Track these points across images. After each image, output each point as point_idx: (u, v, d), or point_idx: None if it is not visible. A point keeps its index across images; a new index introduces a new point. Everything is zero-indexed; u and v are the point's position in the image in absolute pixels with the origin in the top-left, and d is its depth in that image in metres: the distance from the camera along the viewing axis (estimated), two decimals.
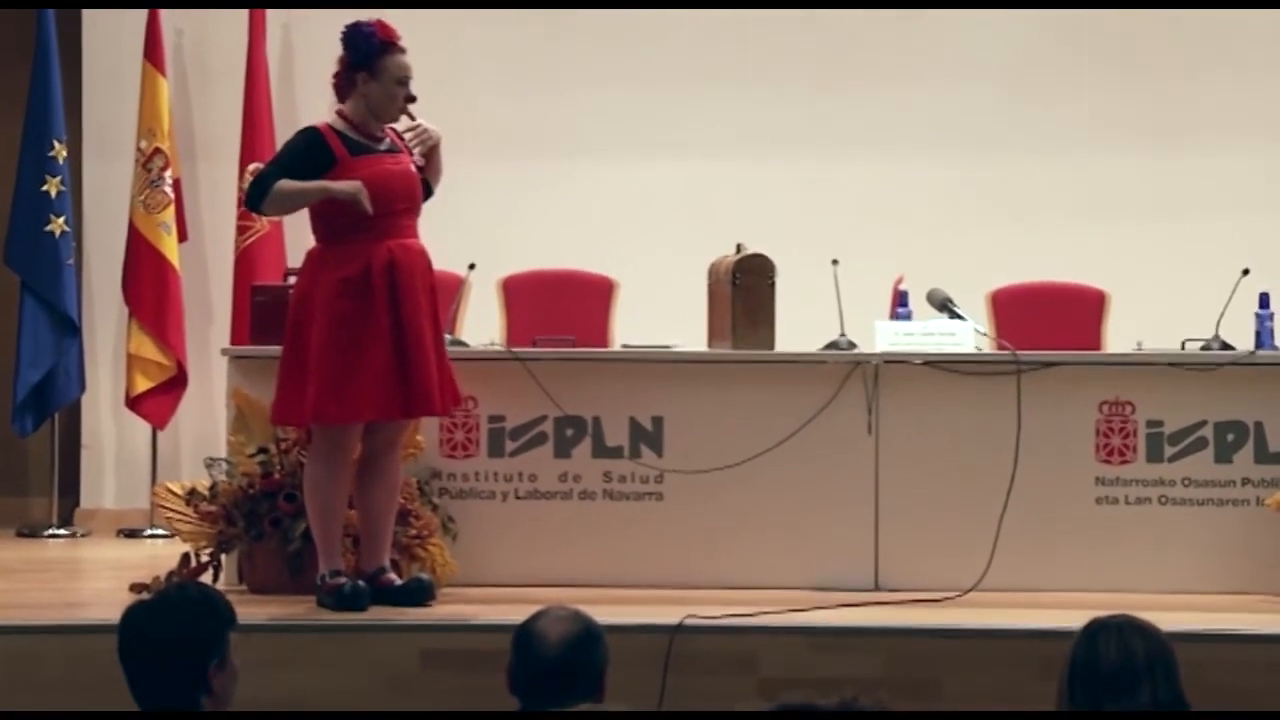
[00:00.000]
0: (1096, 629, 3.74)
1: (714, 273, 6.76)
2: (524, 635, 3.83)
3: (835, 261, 6.65)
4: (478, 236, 7.87)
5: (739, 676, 5.33)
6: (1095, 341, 7.48)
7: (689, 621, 5.57)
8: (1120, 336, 7.37)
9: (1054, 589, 6.28)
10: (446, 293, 7.27)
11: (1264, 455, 6.48)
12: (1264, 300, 6.70)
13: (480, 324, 7.46)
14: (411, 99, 5.97)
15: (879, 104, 8.48)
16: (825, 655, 5.52)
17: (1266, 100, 8.51)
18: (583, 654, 3.79)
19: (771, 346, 6.60)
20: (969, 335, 6.66)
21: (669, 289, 7.57)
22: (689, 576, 6.38)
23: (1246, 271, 6.61)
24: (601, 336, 7.58)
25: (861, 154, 8.49)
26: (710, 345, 6.75)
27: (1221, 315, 6.62)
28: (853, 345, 6.61)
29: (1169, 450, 6.52)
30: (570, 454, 6.55)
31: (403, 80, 5.92)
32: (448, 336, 6.81)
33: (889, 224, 8.27)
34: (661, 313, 7.41)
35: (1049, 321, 7.48)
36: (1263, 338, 6.66)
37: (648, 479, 6.52)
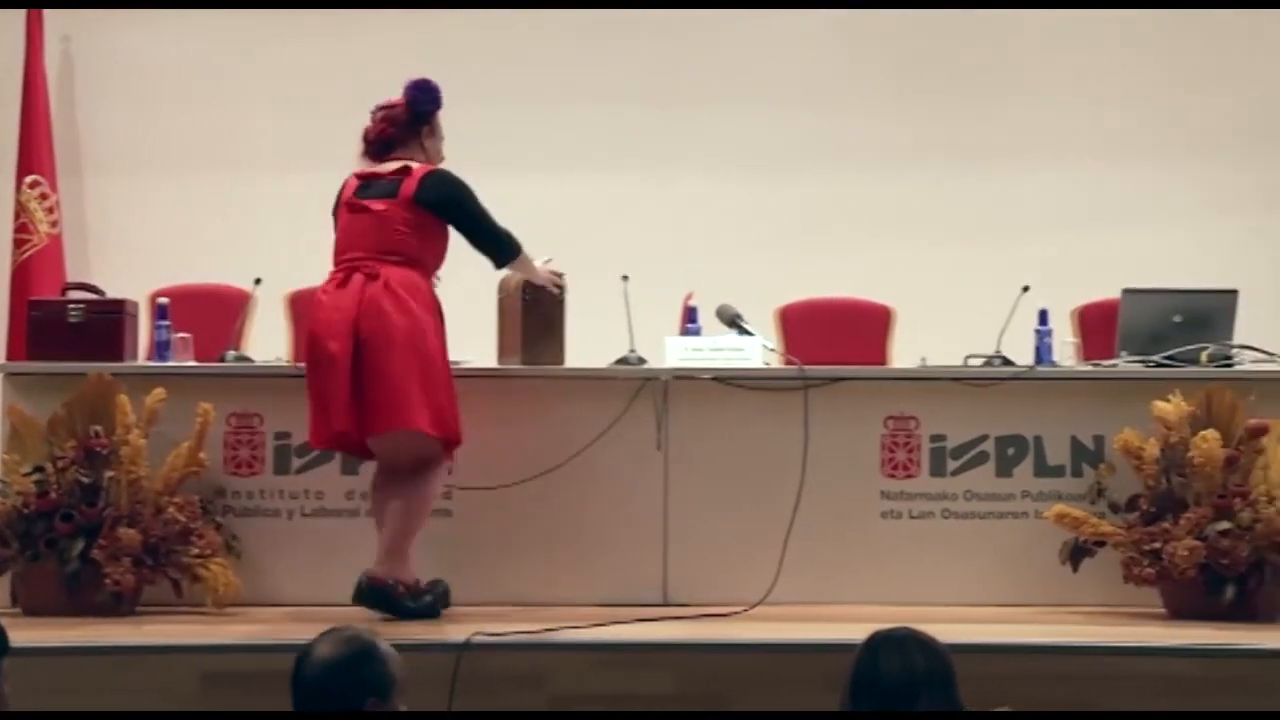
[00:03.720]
0: (878, 642, 3.76)
1: (504, 288, 6.72)
2: (299, 656, 3.76)
3: (625, 277, 6.66)
4: (265, 252, 7.76)
5: (527, 694, 5.28)
6: (881, 357, 7.57)
7: (477, 639, 5.49)
8: (905, 352, 7.46)
9: (840, 602, 6.32)
10: (233, 308, 7.19)
11: (1043, 469, 6.59)
12: (1043, 317, 6.81)
13: (266, 340, 7.37)
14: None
15: (675, 122, 8.54)
16: (614, 671, 5.48)
17: (1050, 127, 8.71)
18: (344, 676, 3.71)
19: (561, 362, 6.57)
20: (757, 351, 6.69)
21: (459, 304, 7.48)
22: (478, 593, 6.33)
23: (1026, 289, 6.72)
24: None
25: (652, 171, 8.54)
26: (500, 361, 6.70)
27: (1002, 332, 6.71)
28: (642, 361, 6.62)
29: (951, 464, 6.61)
30: (358, 471, 6.47)
31: (444, 138, 6.33)
32: (232, 353, 6.74)
33: (680, 240, 8.33)
34: (451, 328, 7.33)
35: (836, 337, 7.56)
36: (1042, 353, 6.78)
37: (440, 495, 6.43)
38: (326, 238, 8.43)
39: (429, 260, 6.17)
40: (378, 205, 6.13)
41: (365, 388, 5.95)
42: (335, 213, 6.32)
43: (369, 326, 5.96)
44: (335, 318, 6.00)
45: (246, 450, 6.49)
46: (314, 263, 8.03)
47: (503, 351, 6.65)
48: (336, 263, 6.18)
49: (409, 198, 6.11)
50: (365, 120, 8.57)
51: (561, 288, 6.49)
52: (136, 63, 8.82)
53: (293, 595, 6.30)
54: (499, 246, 6.24)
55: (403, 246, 6.09)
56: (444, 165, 6.28)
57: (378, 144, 6.24)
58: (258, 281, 6.98)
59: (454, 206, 6.15)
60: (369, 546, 6.37)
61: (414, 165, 6.17)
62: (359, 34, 8.75)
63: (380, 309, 5.97)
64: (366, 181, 6.21)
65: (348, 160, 8.61)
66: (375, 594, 5.97)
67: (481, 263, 6.82)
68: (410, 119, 6.24)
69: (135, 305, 6.86)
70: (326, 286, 6.14)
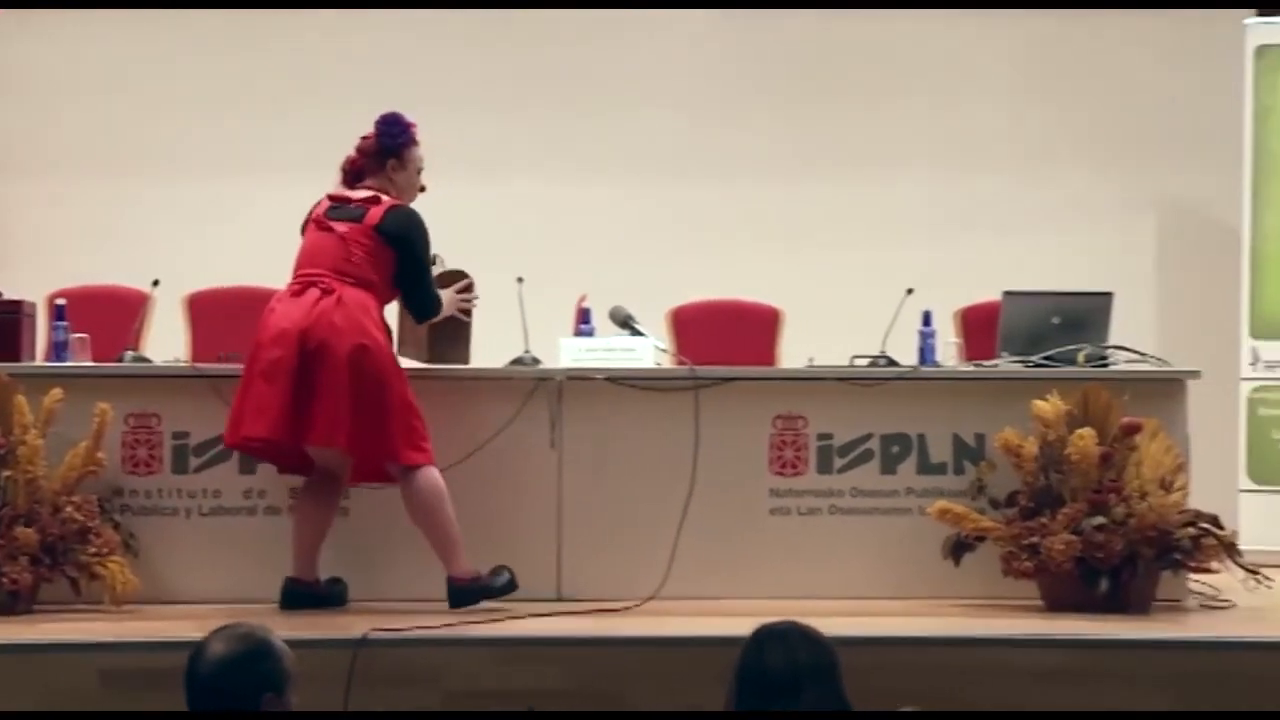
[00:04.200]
0: (763, 636, 3.80)
1: None
2: (193, 654, 3.78)
3: (520, 279, 6.69)
4: (162, 254, 7.75)
5: (423, 690, 5.29)
6: (770, 358, 7.63)
7: (373, 635, 5.52)
8: (793, 353, 7.53)
9: (730, 596, 6.36)
10: (131, 309, 7.18)
11: (926, 466, 6.66)
12: (927, 319, 6.89)
13: (164, 340, 7.34)
14: (422, 188, 6.39)
15: (568, 128, 8.55)
16: (509, 666, 5.51)
17: (929, 135, 8.81)
18: (240, 674, 3.73)
19: (468, 361, 6.63)
20: (649, 351, 6.73)
21: None
22: (374, 590, 6.36)
23: (910, 291, 6.77)
24: None
25: (546, 176, 8.58)
26: (400, 353, 6.69)
27: (887, 333, 6.79)
28: (537, 361, 6.67)
29: (838, 462, 6.66)
30: (255, 470, 6.47)
31: (420, 169, 6.37)
32: (130, 353, 6.74)
33: (574, 243, 8.35)
34: None
35: (726, 338, 7.61)
36: (925, 354, 6.86)
37: None
38: (224, 240, 8.50)
39: (383, 287, 6.26)
40: (341, 227, 6.24)
41: (315, 398, 6.03)
42: (303, 228, 6.38)
43: (317, 338, 6.03)
44: (284, 325, 6.08)
45: (144, 450, 6.48)
46: (211, 265, 8.07)
47: (403, 350, 6.67)
48: (295, 276, 6.26)
49: (371, 225, 6.22)
50: (260, 126, 8.66)
51: (469, 312, 6.57)
52: (33, 65, 8.77)
53: (191, 593, 6.28)
54: (426, 303, 6.37)
55: (359, 269, 6.19)
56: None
57: (350, 172, 6.37)
58: (155, 283, 6.96)
59: (406, 244, 6.25)
60: (266, 544, 6.40)
61: (385, 197, 6.28)
62: (258, 42, 8.75)
63: (330, 322, 6.06)
64: (337, 204, 6.32)
65: (245, 165, 8.70)
66: (463, 593, 6.13)
67: None
68: (378, 150, 6.34)
69: (33, 306, 6.84)
70: (281, 295, 6.23)
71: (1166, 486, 6.34)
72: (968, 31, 8.90)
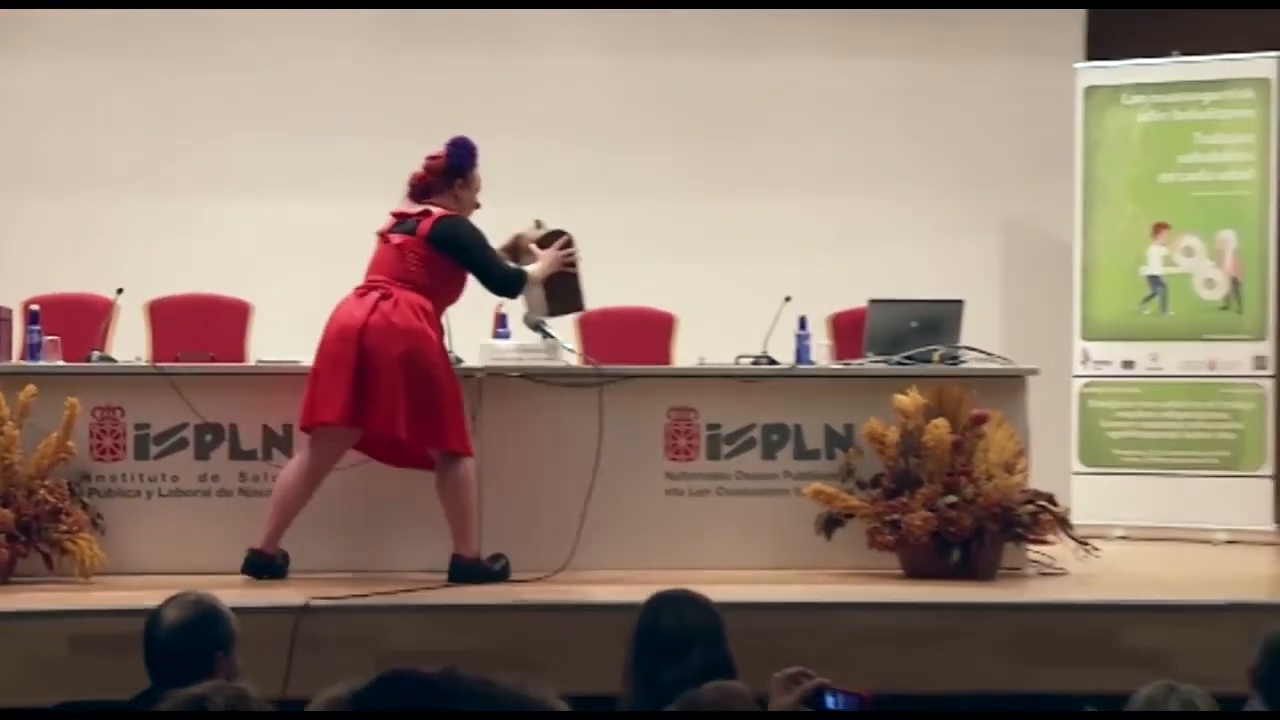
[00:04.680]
0: (658, 602, 3.79)
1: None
2: (149, 620, 3.73)
3: None
4: (126, 265, 7.65)
5: (359, 653, 5.22)
6: (666, 357, 7.62)
7: (314, 603, 5.48)
8: (686, 353, 7.53)
9: (631, 568, 6.34)
10: (98, 314, 7.08)
11: (802, 452, 6.66)
12: (803, 323, 6.90)
13: (127, 342, 7.26)
14: (478, 205, 6.35)
15: (488, 157, 8.47)
16: (437, 631, 5.48)
17: (804, 163, 8.83)
18: (194, 637, 3.69)
19: (583, 307, 6.71)
20: (559, 352, 6.71)
21: (299, 311, 7.44)
22: (316, 561, 6.29)
23: (788, 299, 6.77)
24: (238, 352, 7.43)
25: None
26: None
27: (768, 336, 6.79)
28: (460, 361, 6.61)
29: (725, 449, 6.66)
30: (209, 456, 6.42)
31: (479, 188, 6.33)
32: (97, 353, 6.65)
33: None
34: (293, 331, 7.28)
35: (627, 341, 7.59)
36: (801, 354, 6.87)
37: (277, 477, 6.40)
38: (180, 252, 8.40)
39: (438, 290, 6.23)
40: (398, 239, 6.23)
41: (366, 383, 6.03)
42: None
43: (375, 335, 6.04)
44: (347, 324, 6.10)
45: (109, 439, 6.39)
46: (169, 274, 7.98)
47: (530, 311, 6.60)
48: (365, 282, 6.26)
49: (423, 236, 6.20)
50: (211, 149, 8.57)
51: (574, 264, 6.53)
52: (6, 88, 8.64)
53: (152, 565, 6.20)
54: (504, 283, 6.33)
55: (415, 275, 6.18)
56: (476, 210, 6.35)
57: (418, 188, 6.31)
58: (120, 291, 6.88)
59: (458, 248, 6.22)
60: (218, 522, 6.35)
61: (435, 210, 6.24)
62: (202, 70, 8.66)
63: (388, 322, 6.06)
64: (398, 219, 6.30)
65: (200, 183, 8.59)
66: (466, 570, 6.12)
67: (318, 276, 6.83)
68: (447, 170, 6.29)
69: (9, 311, 6.76)
70: (348, 297, 6.23)
71: (1009, 469, 6.38)
72: (837, 73, 8.93)
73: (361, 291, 6.21)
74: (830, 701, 3.12)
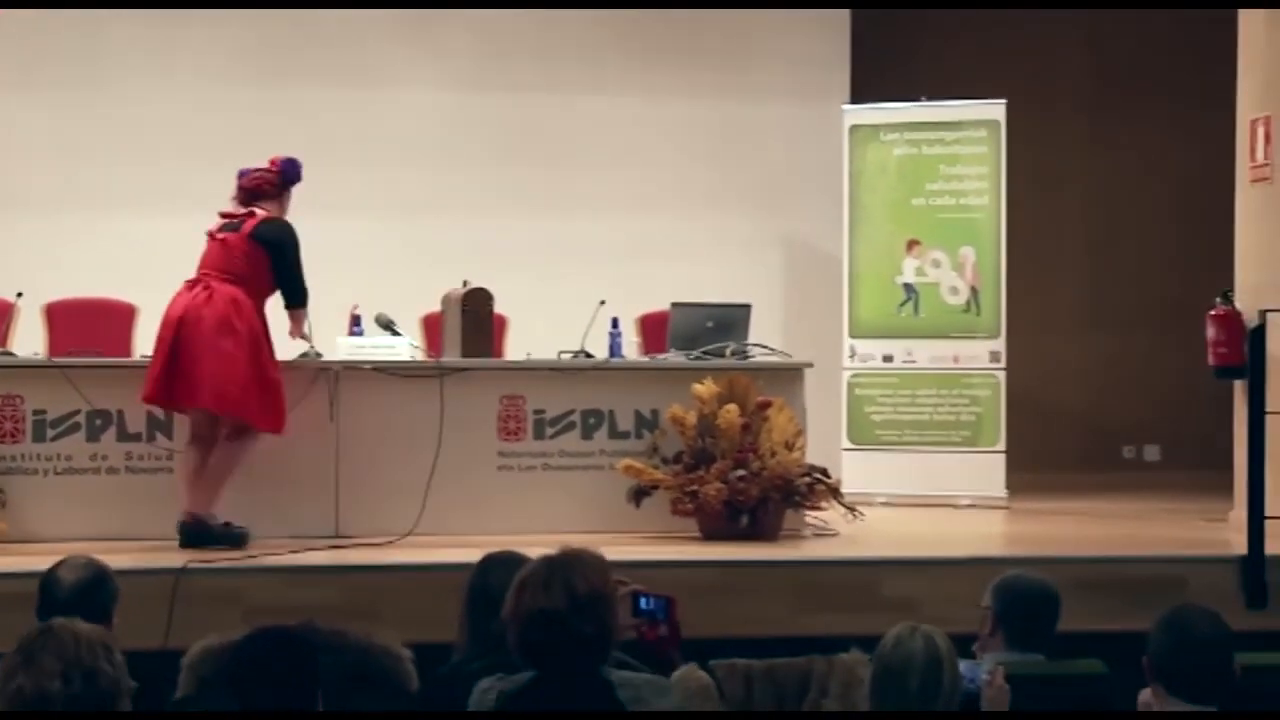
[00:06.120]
0: (488, 562, 3.79)
1: (446, 301, 6.70)
2: (46, 579, 3.65)
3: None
4: (26, 271, 7.43)
5: (228, 609, 5.15)
6: (499, 352, 7.57)
7: (191, 565, 5.40)
8: (515, 349, 7.52)
9: (467, 533, 6.25)
10: (1, 315, 6.88)
11: (615, 433, 6.67)
12: (615, 323, 6.93)
13: (27, 339, 7.11)
14: None
15: (341, 178, 8.37)
16: (296, 589, 5.40)
17: (615, 186, 8.87)
18: (91, 593, 3.63)
19: (492, 354, 6.74)
20: (406, 348, 6.67)
21: None
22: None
23: (603, 303, 6.81)
24: (125, 348, 7.26)
25: (328, 214, 8.34)
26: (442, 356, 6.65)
27: (585, 334, 6.80)
28: (320, 355, 6.54)
29: (549, 430, 6.65)
30: (99, 439, 6.27)
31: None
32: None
33: (348, 265, 8.14)
34: None
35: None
36: (614, 349, 6.90)
37: (161, 457, 6.29)
38: (74, 261, 8.17)
39: (257, 283, 6.11)
40: (223, 236, 6.13)
41: (178, 364, 5.93)
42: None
43: (191, 318, 5.95)
44: (171, 313, 6.02)
45: (10, 423, 6.22)
46: (65, 279, 7.77)
47: (446, 346, 6.65)
48: (194, 276, 6.14)
49: (247, 233, 6.09)
50: (100, 170, 8.37)
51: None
52: None
53: (49, 534, 6.03)
54: (298, 293, 6.18)
55: (237, 269, 6.07)
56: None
57: (251, 192, 6.21)
58: (20, 295, 6.71)
59: (279, 247, 6.12)
60: (107, 495, 6.22)
61: (260, 212, 6.14)
62: (92, 104, 8.45)
63: (201, 312, 5.97)
64: (226, 219, 6.19)
65: (92, 201, 8.37)
66: (194, 530, 5.92)
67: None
68: (282, 181, 6.22)
69: None
70: (180, 290, 6.10)
71: (790, 447, 6.46)
72: (645, 111, 8.97)
73: (190, 285, 6.11)
74: (644, 602, 3.61)
